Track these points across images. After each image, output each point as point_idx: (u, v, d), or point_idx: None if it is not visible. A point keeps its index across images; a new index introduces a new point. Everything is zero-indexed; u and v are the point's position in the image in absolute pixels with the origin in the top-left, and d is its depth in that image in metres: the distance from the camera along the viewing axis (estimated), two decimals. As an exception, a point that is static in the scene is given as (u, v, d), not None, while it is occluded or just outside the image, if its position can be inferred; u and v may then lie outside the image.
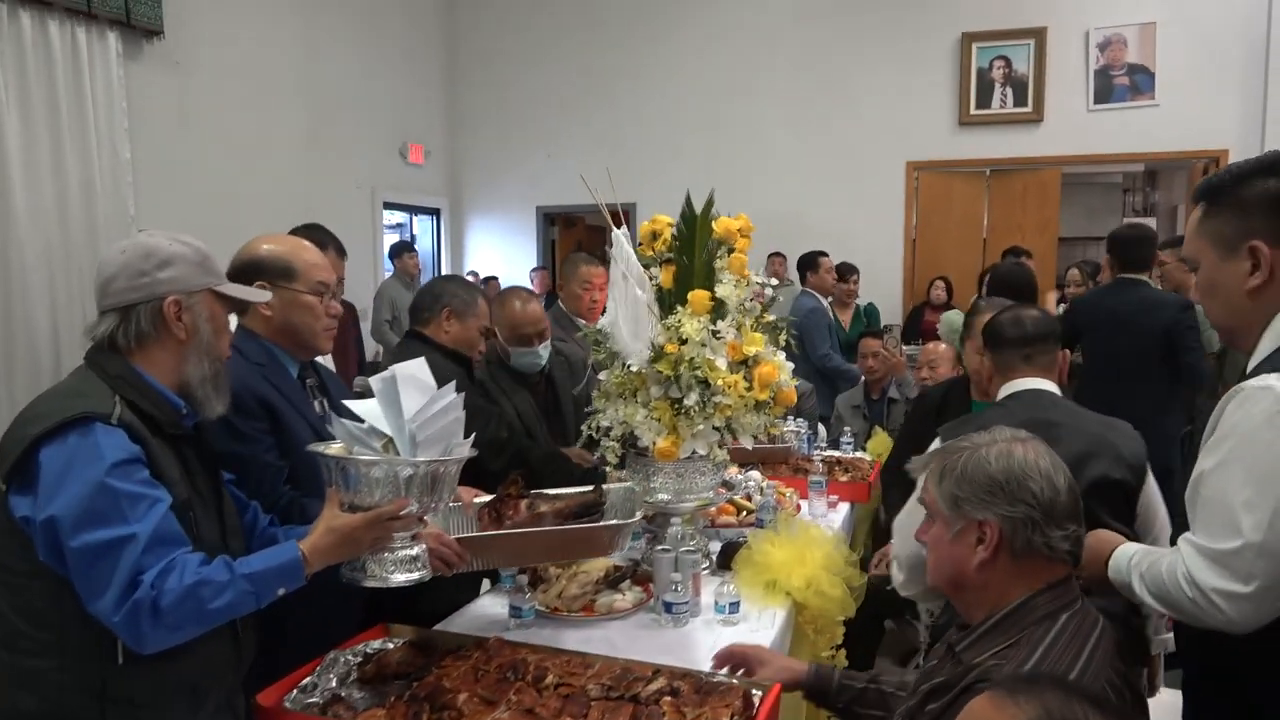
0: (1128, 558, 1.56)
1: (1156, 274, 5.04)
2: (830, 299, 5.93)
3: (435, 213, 8.79)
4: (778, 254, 7.48)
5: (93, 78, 5.21)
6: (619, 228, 2.38)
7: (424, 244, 8.88)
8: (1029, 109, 7.31)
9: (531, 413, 2.97)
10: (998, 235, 7.59)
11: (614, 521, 2.14)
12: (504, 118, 8.66)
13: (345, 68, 7.26)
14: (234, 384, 1.90)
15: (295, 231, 2.95)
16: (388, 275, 7.54)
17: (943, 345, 4.10)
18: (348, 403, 1.74)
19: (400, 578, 1.65)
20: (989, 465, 1.38)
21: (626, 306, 2.23)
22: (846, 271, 6.30)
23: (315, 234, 2.90)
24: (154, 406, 1.52)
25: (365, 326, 7.03)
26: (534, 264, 8.68)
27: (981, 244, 7.71)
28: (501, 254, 8.88)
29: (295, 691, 1.71)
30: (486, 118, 8.72)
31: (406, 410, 1.63)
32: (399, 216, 8.82)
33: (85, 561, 1.36)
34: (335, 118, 7.14)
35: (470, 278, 8.72)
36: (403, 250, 7.48)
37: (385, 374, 1.66)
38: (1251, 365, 1.42)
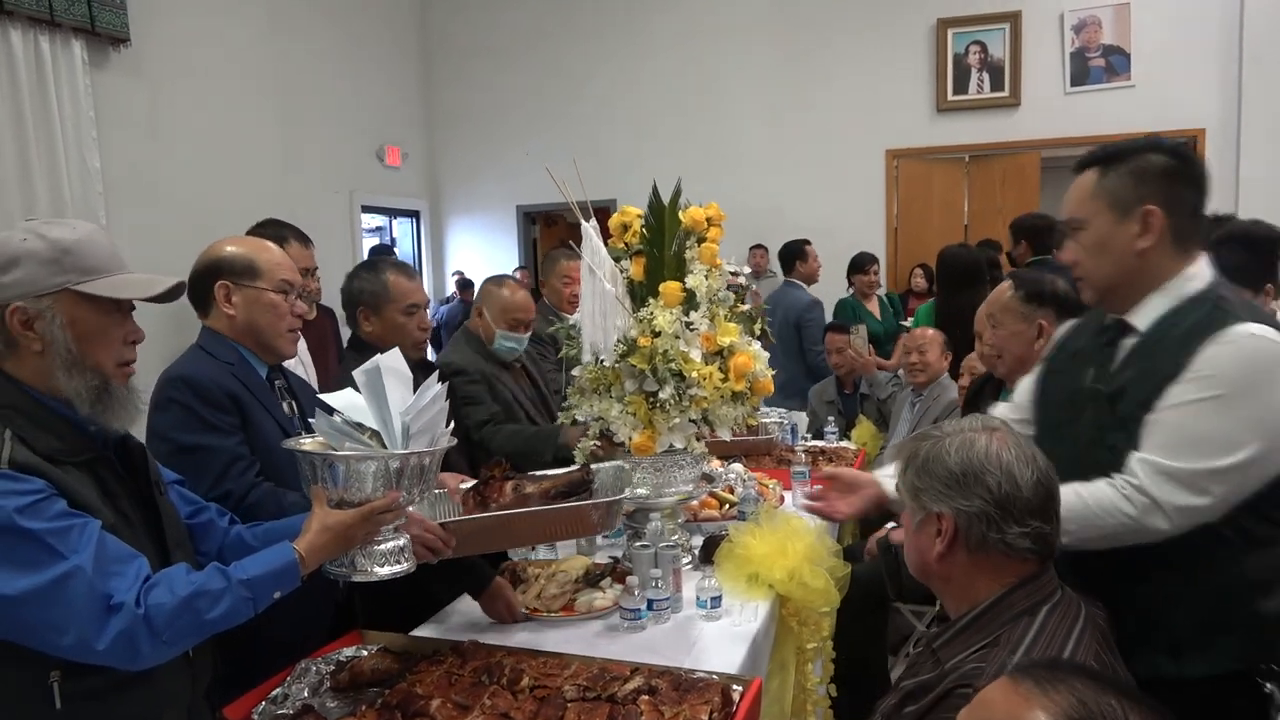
0: None
1: None
2: (812, 286, 5.89)
3: (415, 215, 8.72)
4: (759, 246, 7.45)
5: (58, 87, 5.12)
6: (588, 221, 2.35)
7: (404, 246, 8.82)
8: (1006, 93, 7.30)
9: (527, 399, 2.96)
10: (979, 221, 7.58)
11: (601, 499, 2.08)
12: (481, 117, 8.60)
13: (318, 71, 7.18)
14: (203, 378, 1.88)
15: (252, 229, 2.91)
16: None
17: (930, 330, 4.08)
18: (324, 396, 1.69)
19: (386, 570, 1.61)
20: (948, 457, 1.35)
21: (595, 300, 2.19)
22: (866, 262, 6.25)
23: (272, 229, 2.86)
24: (53, 435, 1.36)
25: (347, 333, 6.97)
26: (515, 263, 8.63)
27: (963, 230, 7.69)
28: (483, 254, 8.82)
29: (264, 703, 1.67)
30: (463, 118, 8.66)
31: (394, 402, 1.59)
32: (379, 220, 8.75)
33: (31, 610, 1.25)
34: (310, 122, 7.06)
35: (454, 278, 8.69)
36: (381, 254, 7.42)
37: (368, 365, 1.61)
38: (1145, 324, 1.58)
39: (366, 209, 7.95)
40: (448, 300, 8.91)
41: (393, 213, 8.60)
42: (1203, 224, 1.62)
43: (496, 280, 3.07)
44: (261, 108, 6.60)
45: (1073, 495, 1.49)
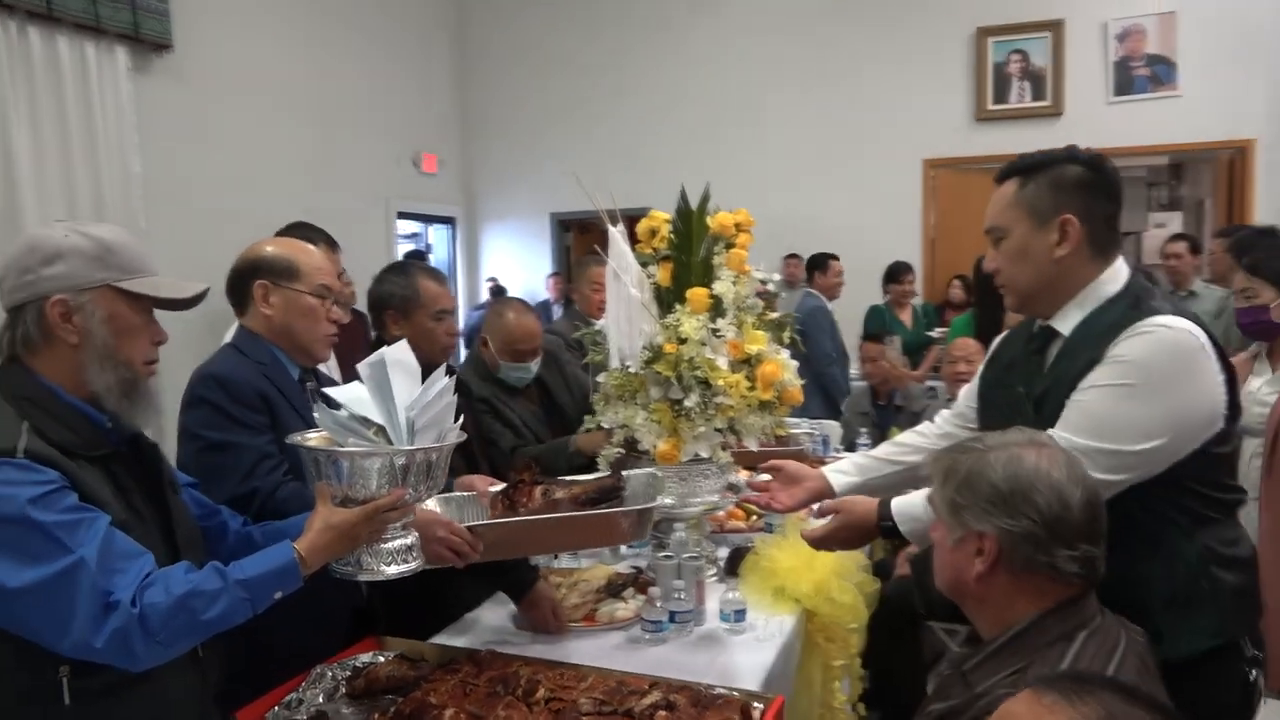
0: (922, 495, 1.62)
1: (1207, 261, 5.13)
2: (833, 301, 5.84)
3: (450, 221, 8.76)
4: (793, 256, 7.38)
5: (102, 93, 5.21)
6: (615, 225, 2.32)
7: (440, 253, 8.85)
8: (1048, 103, 7.17)
9: (535, 421, 2.92)
10: (1018, 232, 7.44)
11: (633, 507, 2.01)
12: (517, 125, 8.62)
13: (356, 79, 7.25)
14: (234, 376, 1.88)
15: (281, 232, 2.91)
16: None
17: (971, 341, 4.01)
18: (328, 390, 1.66)
19: (394, 569, 1.57)
20: (993, 472, 1.27)
21: (620, 305, 2.16)
22: (900, 271, 6.17)
23: (301, 232, 2.87)
24: (68, 429, 1.37)
25: (378, 336, 7.01)
26: (549, 270, 8.63)
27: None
28: (517, 261, 8.84)
29: (277, 708, 1.65)
30: (499, 125, 8.69)
31: (400, 396, 1.55)
32: (414, 226, 8.81)
33: (35, 603, 1.25)
34: (347, 129, 7.13)
35: (488, 284, 8.71)
36: (413, 258, 7.46)
37: (373, 358, 1.57)
38: (1068, 328, 1.64)
39: (402, 215, 7.99)
40: (480, 306, 8.94)
41: (428, 219, 8.65)
42: (1118, 231, 1.69)
43: (499, 307, 2.99)
44: (299, 114, 6.67)
45: None
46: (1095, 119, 7.05)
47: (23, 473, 1.27)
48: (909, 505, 1.71)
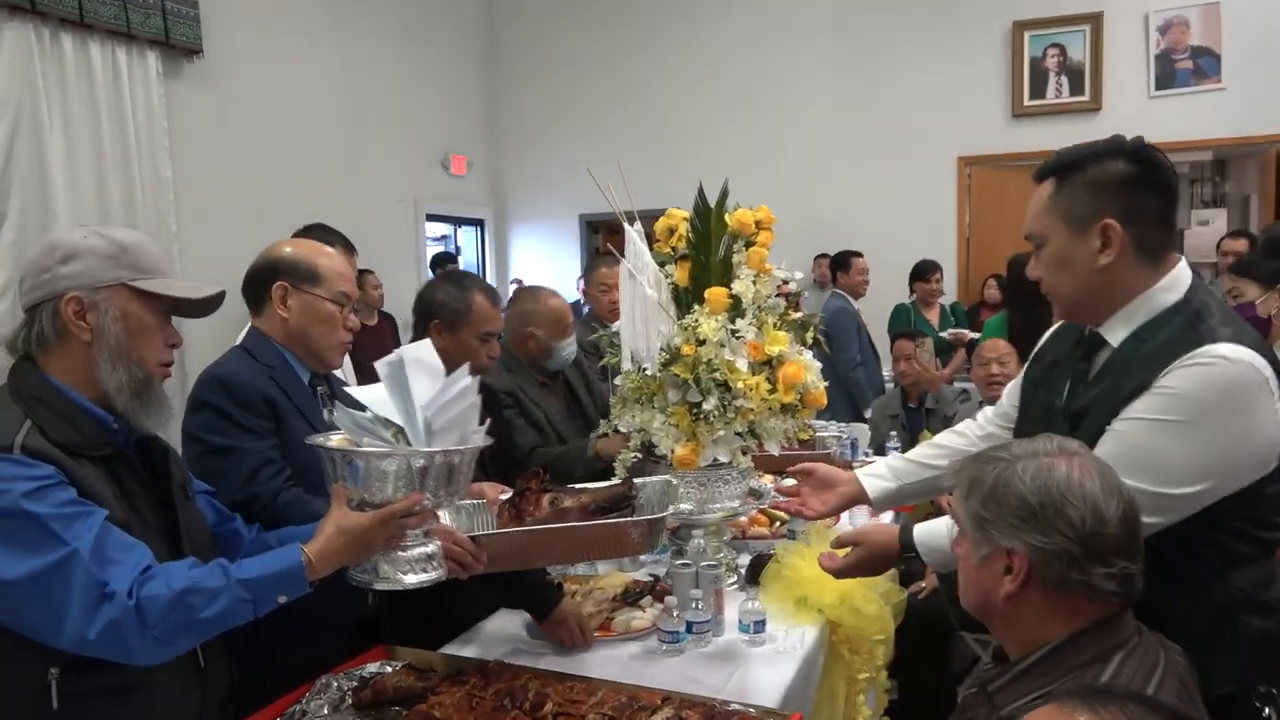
0: (946, 523, 1.56)
1: (1225, 264, 4.95)
2: (859, 299, 5.73)
3: (479, 223, 8.76)
4: (823, 255, 7.27)
5: (133, 98, 5.26)
6: (631, 224, 2.26)
7: (469, 255, 8.86)
8: (1086, 98, 7.00)
9: (560, 417, 2.88)
10: (1056, 230, 7.27)
11: (643, 517, 1.92)
12: (546, 126, 8.60)
13: (385, 81, 7.27)
14: (238, 378, 1.85)
15: (299, 233, 2.89)
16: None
17: (1003, 342, 3.89)
18: (350, 389, 1.61)
19: (414, 579, 1.50)
20: (1021, 485, 1.18)
21: (636, 306, 2.09)
22: (928, 269, 6.06)
23: (319, 234, 2.83)
24: (73, 428, 1.37)
25: (406, 339, 7.01)
26: (578, 272, 8.60)
27: (1039, 240, 7.40)
28: (547, 262, 8.82)
29: (280, 719, 1.61)
30: (528, 127, 8.67)
31: (418, 396, 1.49)
32: (443, 228, 8.82)
33: (30, 595, 1.25)
34: (376, 131, 7.15)
35: (513, 285, 8.70)
36: (444, 262, 7.45)
37: (392, 357, 1.52)
38: (1118, 339, 1.49)
39: (431, 217, 8.01)
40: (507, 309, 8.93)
41: (457, 221, 8.65)
42: (1173, 229, 1.52)
43: (532, 294, 2.95)
44: (328, 117, 6.70)
45: None
46: (1135, 114, 6.87)
47: (17, 468, 1.27)
48: (933, 535, 1.63)
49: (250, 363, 1.90)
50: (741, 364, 2.16)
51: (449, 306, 2.38)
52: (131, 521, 1.37)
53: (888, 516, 3.05)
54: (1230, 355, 1.36)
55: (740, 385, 2.14)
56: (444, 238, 8.99)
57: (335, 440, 1.53)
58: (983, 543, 1.22)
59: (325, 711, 1.69)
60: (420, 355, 1.56)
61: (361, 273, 6.57)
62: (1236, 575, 1.44)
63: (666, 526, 1.89)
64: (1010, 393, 1.83)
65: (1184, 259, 1.51)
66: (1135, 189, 1.46)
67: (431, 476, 1.46)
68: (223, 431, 1.80)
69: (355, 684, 1.75)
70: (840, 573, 1.77)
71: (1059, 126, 7.06)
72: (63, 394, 1.39)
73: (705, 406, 2.15)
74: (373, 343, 6.19)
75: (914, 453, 1.95)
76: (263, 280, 1.95)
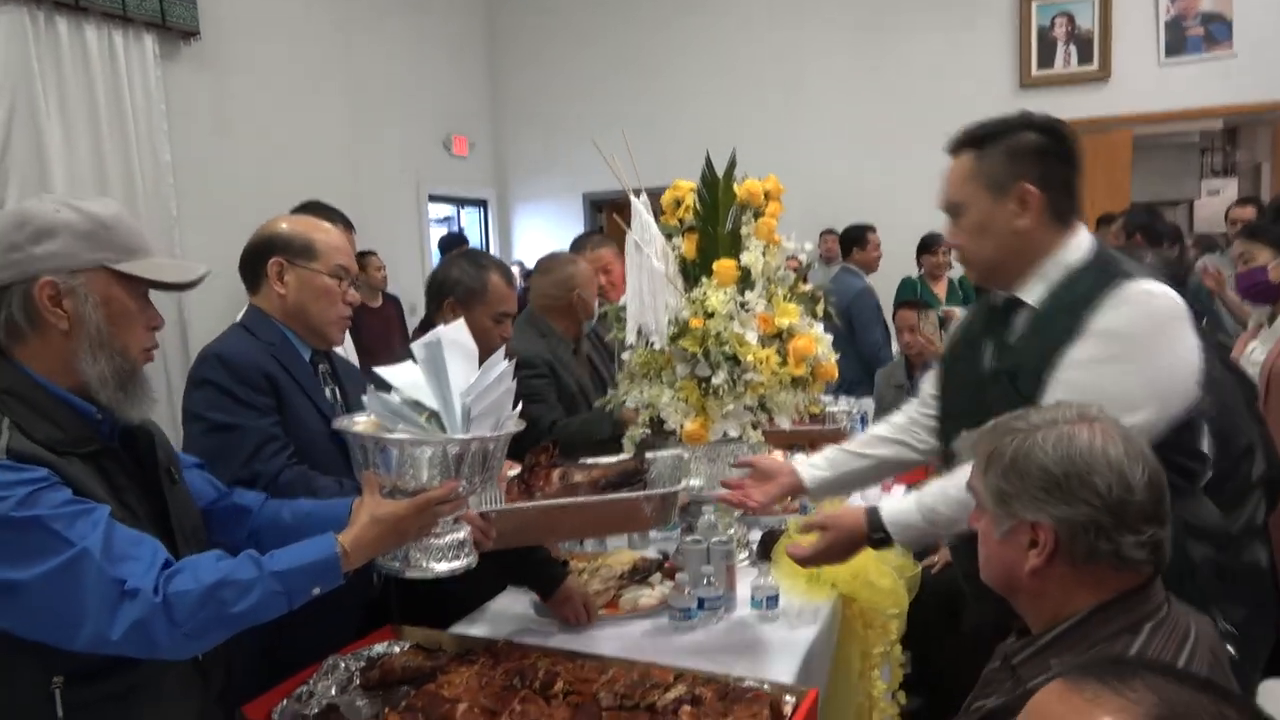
0: (914, 500, 1.61)
1: (1233, 231, 4.94)
2: (872, 275, 5.66)
3: (483, 204, 8.71)
4: (829, 231, 7.20)
5: (130, 81, 5.20)
6: (638, 196, 2.22)
7: (472, 236, 8.79)
8: (1095, 66, 6.90)
9: (590, 386, 2.86)
10: (1065, 202, 7.19)
11: (654, 491, 1.88)
12: (548, 105, 8.52)
13: (385, 62, 7.19)
14: (238, 356, 1.80)
15: (295, 210, 2.84)
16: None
17: None
18: (380, 370, 1.52)
19: (445, 566, 1.47)
20: (1043, 455, 1.14)
21: (642, 278, 2.05)
22: (934, 242, 5.97)
23: (318, 211, 2.79)
24: (55, 425, 1.27)
25: (412, 322, 6.98)
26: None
27: (1048, 212, 7.33)
28: (552, 242, 8.73)
29: (286, 701, 1.59)
30: (531, 106, 8.59)
31: (456, 381, 1.43)
32: (446, 209, 8.76)
33: (42, 600, 1.18)
34: (377, 112, 7.08)
35: (516, 268, 8.65)
36: (453, 244, 7.39)
37: (429, 338, 1.46)
38: (1036, 298, 1.58)
39: (434, 198, 7.95)
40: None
41: (460, 202, 8.60)
42: (1077, 198, 1.64)
43: (568, 258, 2.97)
44: (329, 99, 6.64)
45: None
46: (1145, 82, 6.78)
47: (8, 473, 1.19)
48: (901, 513, 1.63)
49: (250, 340, 1.87)
50: (751, 337, 2.12)
51: (464, 285, 2.33)
52: (124, 518, 1.30)
53: (899, 489, 3.02)
54: (1153, 290, 1.48)
55: (750, 358, 2.10)
56: (447, 219, 8.94)
57: (362, 424, 1.49)
58: (1005, 517, 1.18)
59: (334, 692, 1.67)
60: (457, 338, 1.50)
61: (364, 254, 6.54)
62: (1176, 505, 1.49)
63: (678, 502, 1.85)
64: (930, 379, 1.91)
65: (1084, 225, 1.64)
66: (1048, 157, 1.59)
67: (467, 463, 1.41)
68: (224, 409, 1.76)
69: (363, 664, 1.73)
70: (808, 560, 1.76)
71: (1067, 96, 6.97)
72: (42, 389, 1.29)
73: (714, 380, 2.11)
74: (377, 325, 6.16)
75: (850, 443, 2.01)
76: (258, 257, 1.91)
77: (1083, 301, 1.51)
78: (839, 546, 1.70)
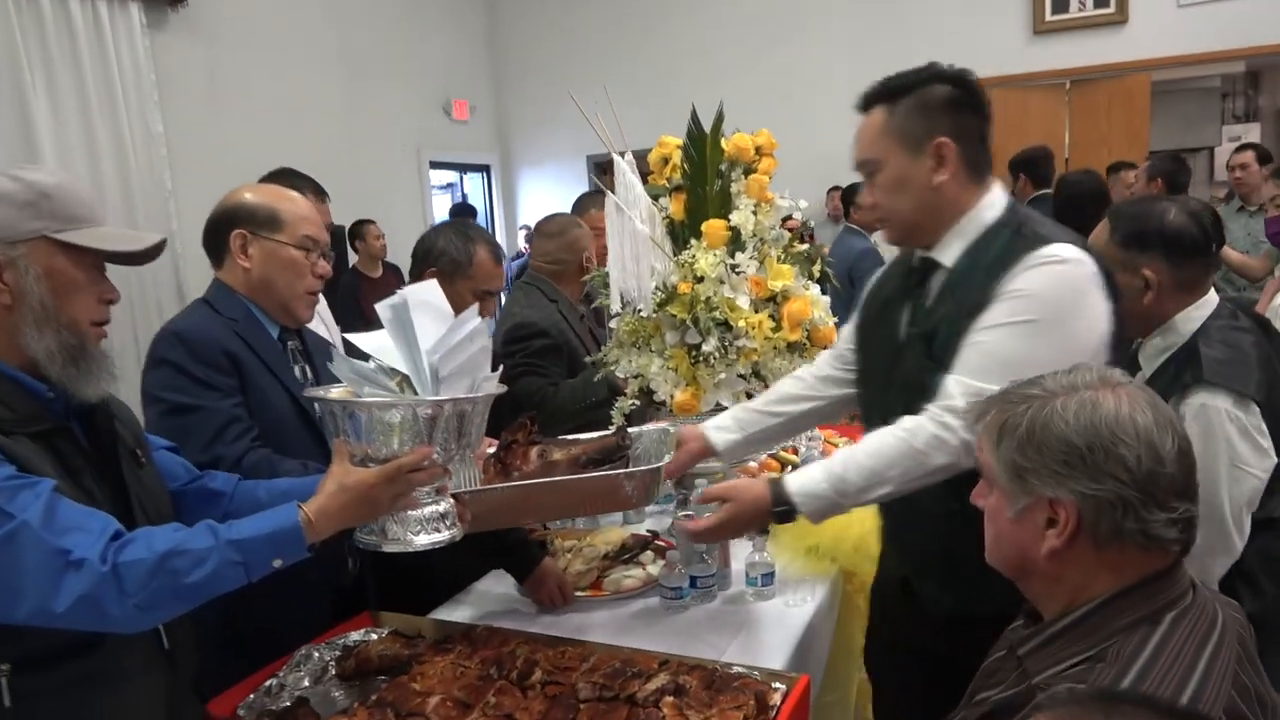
0: (822, 469, 1.53)
1: (1236, 177, 4.84)
2: (875, 233, 5.50)
3: (485, 169, 8.58)
4: (836, 189, 7.04)
5: (118, 52, 5.11)
6: (622, 155, 2.10)
7: (475, 201, 8.69)
8: (1111, 9, 6.65)
9: (589, 348, 2.77)
10: (1081, 153, 6.98)
11: (634, 469, 1.76)
12: (549, 67, 8.34)
13: (381, 26, 7.04)
14: (198, 334, 1.72)
15: (265, 178, 2.73)
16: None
17: None
18: (351, 336, 1.46)
19: (425, 539, 1.39)
20: (1064, 425, 1.02)
21: (625, 242, 1.94)
22: None
23: (288, 179, 2.68)
24: (1, 404, 1.22)
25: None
26: (589, 216, 8.43)
27: (1064, 164, 7.11)
28: (556, 205, 8.59)
29: (252, 695, 1.52)
30: (531, 68, 8.42)
31: (423, 340, 1.36)
32: (449, 175, 8.65)
33: None
34: (374, 78, 6.95)
35: (522, 232, 8.53)
36: (462, 214, 7.26)
37: (394, 298, 1.38)
38: (951, 259, 1.55)
39: (435, 165, 7.83)
40: (519, 256, 8.78)
41: (463, 168, 8.48)
42: (989, 152, 1.60)
43: (572, 221, 2.85)
44: (324, 64, 6.51)
45: (892, 436, 1.47)
46: (1163, 25, 6.55)
47: None
48: (809, 483, 1.52)
49: (212, 316, 1.78)
50: (743, 301, 2.02)
51: (449, 256, 2.23)
52: (78, 497, 1.24)
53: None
54: (1067, 254, 1.45)
55: (742, 324, 2.00)
56: (450, 185, 8.83)
57: (336, 392, 1.41)
58: (1020, 494, 1.06)
59: (306, 684, 1.60)
60: (426, 296, 1.42)
61: (363, 223, 6.45)
62: None
63: (661, 479, 1.75)
64: (846, 336, 1.83)
65: (999, 182, 1.60)
66: (961, 109, 1.55)
67: (440, 428, 1.34)
68: (183, 389, 1.68)
69: (338, 653, 1.66)
70: (705, 535, 1.64)
71: (1083, 42, 6.75)
72: None
73: (705, 348, 2.01)
74: (378, 295, 6.05)
75: (756, 401, 1.90)
76: (220, 229, 1.82)
77: (997, 264, 1.49)
78: (740, 520, 1.59)
